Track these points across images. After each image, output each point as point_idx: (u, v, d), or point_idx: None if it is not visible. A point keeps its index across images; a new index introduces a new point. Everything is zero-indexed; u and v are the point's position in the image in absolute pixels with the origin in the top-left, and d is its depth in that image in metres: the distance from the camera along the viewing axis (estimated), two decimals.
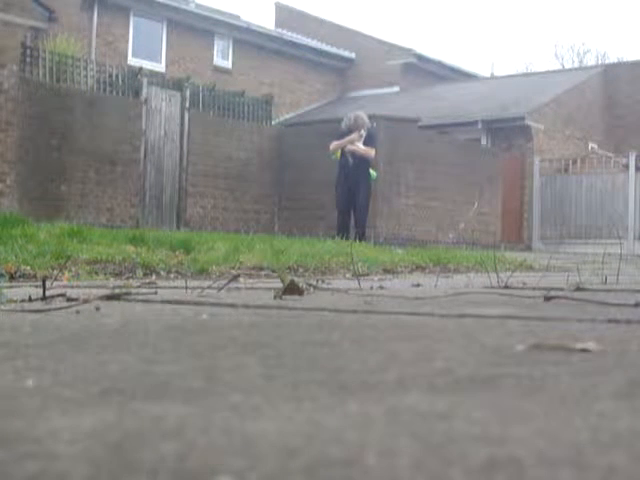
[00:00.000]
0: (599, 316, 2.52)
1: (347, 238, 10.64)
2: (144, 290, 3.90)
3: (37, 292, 3.44)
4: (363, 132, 11.69)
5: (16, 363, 1.56)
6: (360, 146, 11.68)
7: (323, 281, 5.39)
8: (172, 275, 6.29)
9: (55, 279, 4.58)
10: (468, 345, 1.85)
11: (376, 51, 27.27)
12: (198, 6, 23.57)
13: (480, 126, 20.83)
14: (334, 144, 11.81)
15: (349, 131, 11.80)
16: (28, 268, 5.58)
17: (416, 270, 8.07)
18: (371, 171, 11.92)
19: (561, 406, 1.11)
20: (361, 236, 11.36)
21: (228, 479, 0.76)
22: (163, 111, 15.40)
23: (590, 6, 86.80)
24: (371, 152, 11.76)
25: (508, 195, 19.85)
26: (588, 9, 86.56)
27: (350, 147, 11.65)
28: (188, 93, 15.85)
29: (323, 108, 25.10)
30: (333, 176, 12.24)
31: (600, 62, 42.70)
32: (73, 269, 5.91)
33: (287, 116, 24.05)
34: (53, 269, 5.51)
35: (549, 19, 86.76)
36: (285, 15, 29.12)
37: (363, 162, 11.69)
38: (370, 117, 12.75)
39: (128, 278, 5.76)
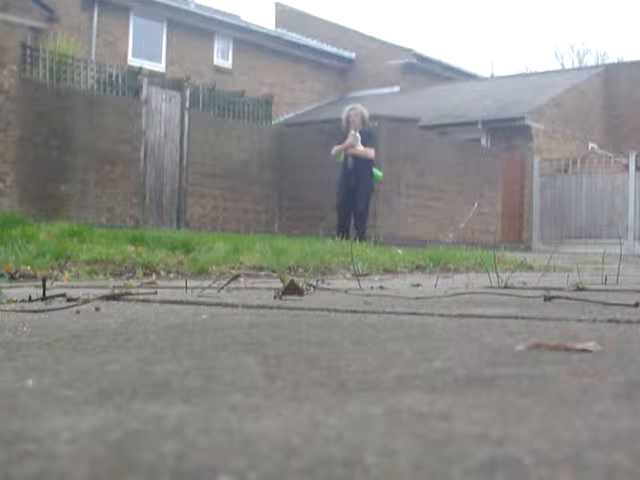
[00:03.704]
0: (599, 316, 2.52)
1: (347, 238, 10.62)
2: (144, 290, 3.90)
3: (37, 292, 3.44)
4: (356, 133, 11.66)
5: (16, 363, 1.56)
6: (359, 147, 11.67)
7: (323, 281, 5.39)
8: (172, 275, 6.29)
9: (55, 279, 4.58)
10: (468, 345, 1.85)
11: (376, 51, 27.27)
12: (198, 6, 23.56)
13: (480, 126, 20.83)
14: (335, 149, 11.84)
15: (347, 124, 11.81)
16: (28, 268, 5.58)
17: (416, 270, 8.07)
18: (376, 171, 11.92)
19: (561, 406, 1.11)
20: (361, 236, 11.35)
21: (228, 479, 0.76)
22: (163, 111, 15.39)
23: (590, 6, 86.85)
24: (370, 152, 11.74)
25: (508, 195, 19.84)
26: (588, 9, 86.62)
27: (349, 150, 11.65)
28: (188, 93, 15.85)
29: (323, 108, 25.10)
30: (333, 176, 12.24)
31: (600, 62, 42.70)
32: (73, 269, 5.91)
33: (287, 116, 24.05)
34: (53, 269, 5.51)
35: (549, 19, 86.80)
36: (285, 15, 29.12)
37: (363, 163, 11.69)
38: (370, 117, 12.74)
39: (128, 278, 5.76)
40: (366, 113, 12.02)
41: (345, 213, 11.94)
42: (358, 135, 11.61)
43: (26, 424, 1.00)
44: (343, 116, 11.94)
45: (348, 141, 11.65)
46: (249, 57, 24.46)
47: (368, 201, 11.96)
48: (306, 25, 28.15)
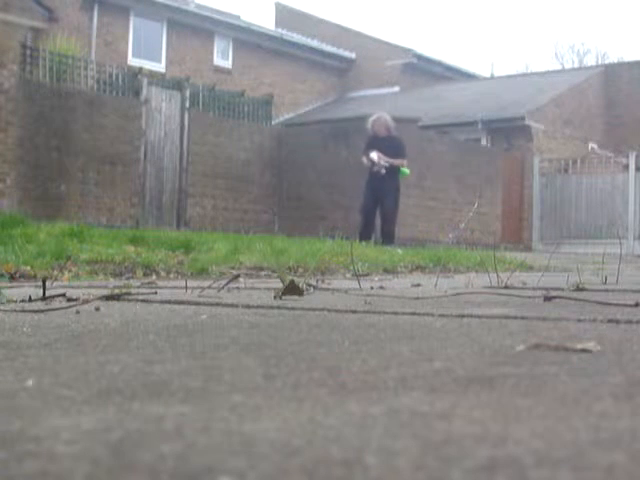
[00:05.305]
0: (599, 316, 2.52)
1: (368, 240, 10.91)
2: (144, 290, 3.90)
3: (37, 292, 3.44)
4: (382, 162, 11.95)
5: (16, 363, 1.56)
6: (385, 162, 11.96)
7: (323, 281, 5.39)
8: (172, 275, 6.29)
9: (55, 279, 4.58)
10: (468, 345, 1.84)
11: (376, 51, 27.26)
12: (198, 6, 23.55)
13: (480, 126, 20.81)
14: (365, 161, 12.25)
15: (373, 134, 12.21)
16: (28, 268, 5.58)
17: (416, 270, 8.07)
18: (403, 169, 12.23)
19: (561, 406, 1.11)
20: (389, 236, 11.66)
21: (228, 479, 0.76)
22: (163, 111, 15.39)
23: (590, 6, 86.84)
24: (402, 163, 12.14)
25: (508, 195, 19.83)
26: (588, 9, 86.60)
27: (380, 167, 11.96)
28: (188, 93, 15.84)
29: (323, 108, 25.10)
30: (333, 176, 12.36)
31: (600, 62, 42.70)
32: (73, 269, 5.90)
33: (287, 116, 24.04)
34: (53, 269, 5.51)
35: (549, 19, 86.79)
36: (285, 15, 29.11)
37: (391, 169, 12.05)
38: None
39: (128, 278, 5.76)
40: (390, 120, 12.52)
41: (368, 216, 12.13)
42: (384, 166, 11.93)
43: (26, 424, 1.00)
44: (368, 126, 12.38)
45: (372, 159, 11.98)
46: (249, 57, 24.45)
47: (396, 203, 12.22)
48: (306, 25, 28.13)
